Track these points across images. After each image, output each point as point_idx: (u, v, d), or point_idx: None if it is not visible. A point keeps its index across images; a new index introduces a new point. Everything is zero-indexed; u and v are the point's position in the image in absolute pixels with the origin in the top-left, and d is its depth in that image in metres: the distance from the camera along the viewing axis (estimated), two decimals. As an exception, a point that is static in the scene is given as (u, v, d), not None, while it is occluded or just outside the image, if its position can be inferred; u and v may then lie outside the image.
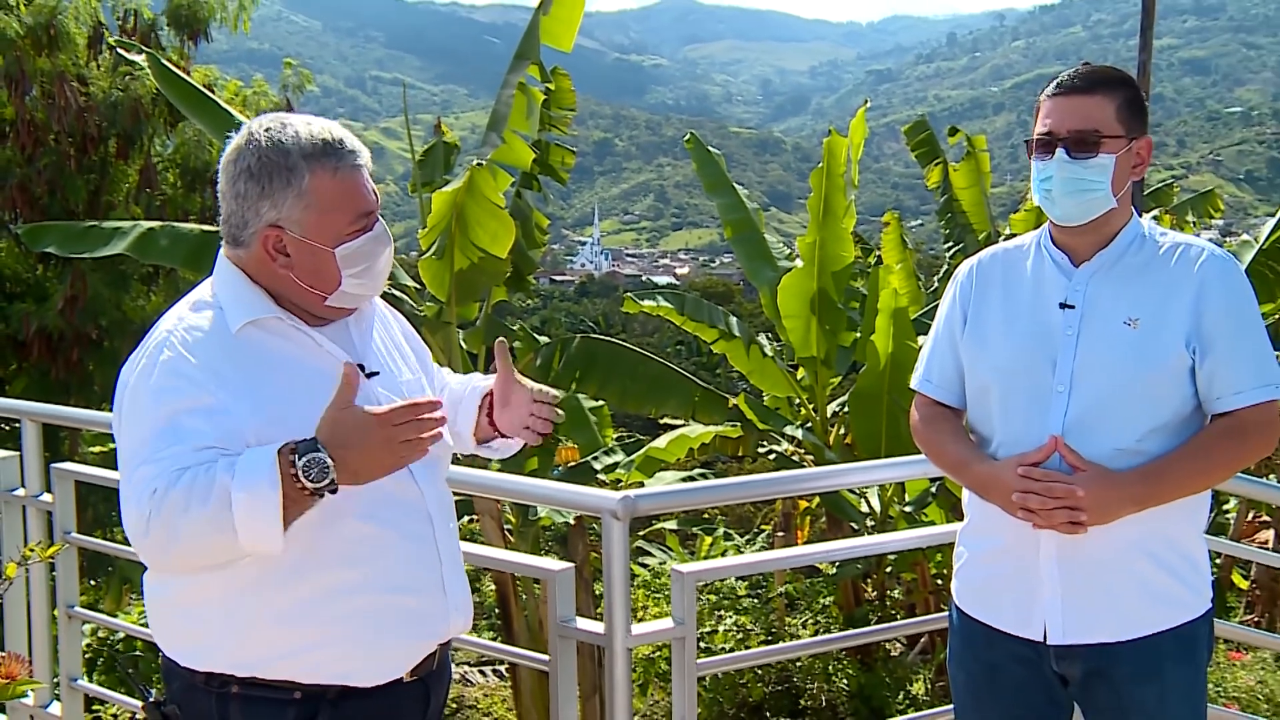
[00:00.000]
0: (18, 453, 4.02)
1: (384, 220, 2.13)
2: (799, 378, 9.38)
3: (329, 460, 1.79)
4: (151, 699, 2.08)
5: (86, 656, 6.45)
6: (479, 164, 6.49)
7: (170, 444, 1.87)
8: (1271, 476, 10.14)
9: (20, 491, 3.98)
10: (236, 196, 2.01)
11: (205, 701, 2.02)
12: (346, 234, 2.03)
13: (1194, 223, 11.84)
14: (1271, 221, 9.65)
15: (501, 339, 2.34)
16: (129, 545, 3.79)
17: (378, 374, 2.14)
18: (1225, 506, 10.99)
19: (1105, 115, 2.36)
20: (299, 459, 1.78)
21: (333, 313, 2.12)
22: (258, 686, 2.00)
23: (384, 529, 2.05)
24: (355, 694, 2.04)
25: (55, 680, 4.00)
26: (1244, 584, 10.51)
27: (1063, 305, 2.40)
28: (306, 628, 1.99)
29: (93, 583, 10.69)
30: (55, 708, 3.97)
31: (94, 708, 5.76)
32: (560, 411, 2.34)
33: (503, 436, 2.38)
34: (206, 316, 2.02)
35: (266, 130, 2.01)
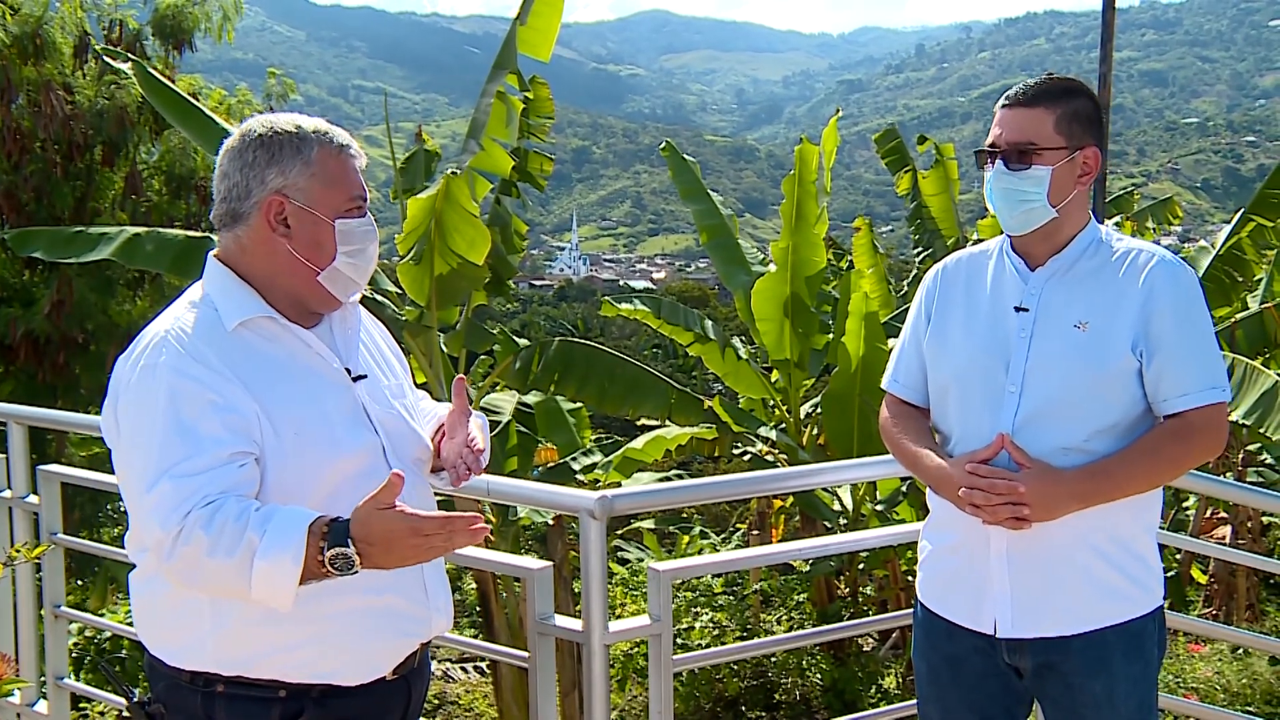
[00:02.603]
0: (4, 455, 4.01)
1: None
2: (773, 380, 9.46)
3: (355, 555, 1.80)
4: (135, 699, 2.09)
5: (73, 655, 6.42)
6: (454, 172, 6.49)
7: (190, 453, 1.88)
8: (1229, 474, 10.36)
9: (7, 493, 3.98)
10: (243, 167, 2.06)
11: (190, 700, 2.03)
12: (344, 210, 2.10)
13: (1154, 229, 11.97)
14: (1227, 228, 9.90)
15: (460, 376, 2.36)
16: (114, 546, 3.89)
17: (365, 377, 2.18)
18: (1185, 504, 11.18)
19: (1043, 128, 2.39)
20: (327, 548, 1.80)
21: (320, 303, 2.15)
22: (243, 685, 2.01)
23: None
24: (339, 691, 2.06)
25: (42, 679, 3.99)
26: (1203, 578, 10.60)
27: (1018, 308, 2.45)
28: (292, 627, 1.99)
29: (79, 582, 10.65)
30: (42, 706, 3.98)
31: (80, 705, 5.74)
32: (479, 471, 2.30)
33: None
34: (201, 316, 2.04)
35: (274, 117, 2.12)
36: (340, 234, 2.10)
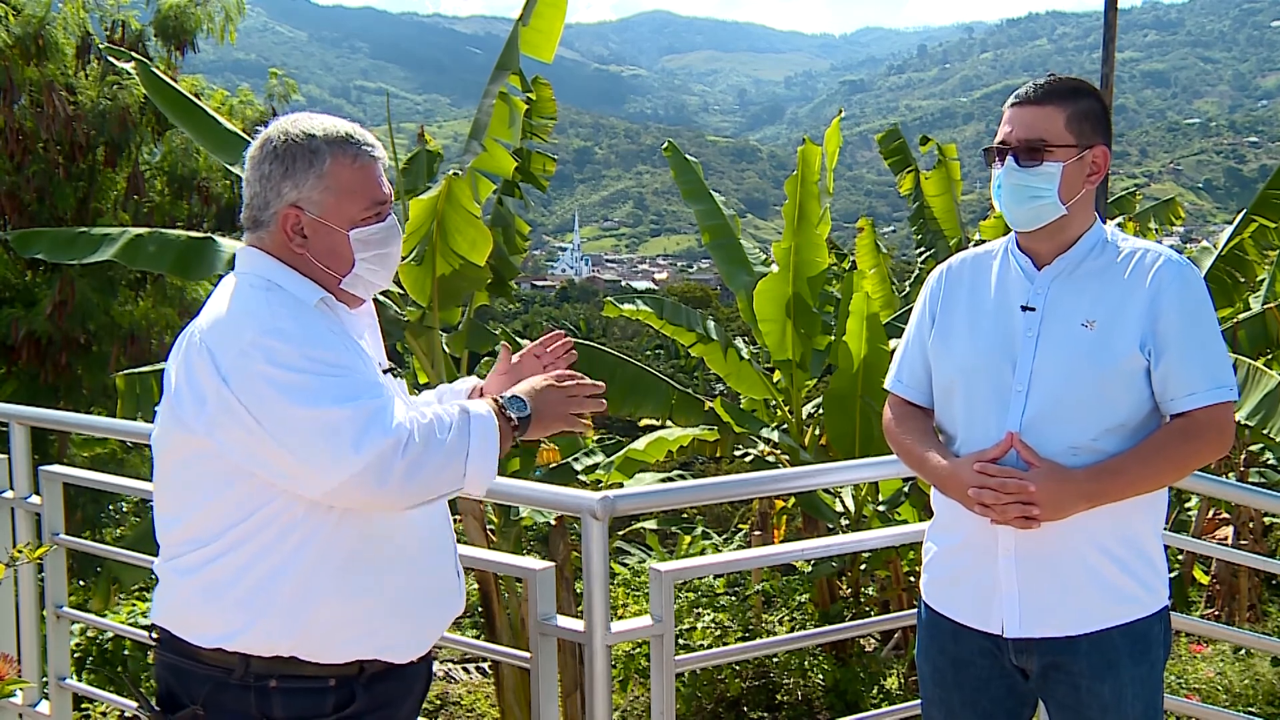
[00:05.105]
0: (6, 456, 4.01)
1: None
2: (775, 380, 9.42)
3: (526, 401, 2.17)
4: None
5: (75, 656, 6.49)
6: (456, 173, 6.48)
7: (360, 380, 2.00)
8: (1231, 475, 10.36)
9: (9, 494, 3.98)
10: (261, 178, 2.09)
11: (242, 699, 2.03)
12: (360, 219, 2.12)
13: (1156, 229, 11.92)
14: (1229, 229, 9.89)
15: (504, 343, 2.44)
16: (116, 546, 3.82)
17: (389, 371, 2.23)
18: (1187, 504, 11.18)
19: (1054, 126, 2.39)
20: (505, 401, 2.15)
21: (348, 301, 2.20)
22: (296, 679, 2.04)
23: (416, 517, 2.17)
24: (382, 676, 2.13)
25: (44, 679, 3.99)
26: (1205, 579, 10.61)
27: (1024, 308, 2.44)
28: (365, 600, 2.07)
29: (81, 583, 10.68)
30: (44, 706, 3.97)
31: (82, 706, 5.81)
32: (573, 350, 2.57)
33: None
34: (281, 297, 2.06)
35: (295, 122, 2.13)
36: (356, 243, 2.13)
